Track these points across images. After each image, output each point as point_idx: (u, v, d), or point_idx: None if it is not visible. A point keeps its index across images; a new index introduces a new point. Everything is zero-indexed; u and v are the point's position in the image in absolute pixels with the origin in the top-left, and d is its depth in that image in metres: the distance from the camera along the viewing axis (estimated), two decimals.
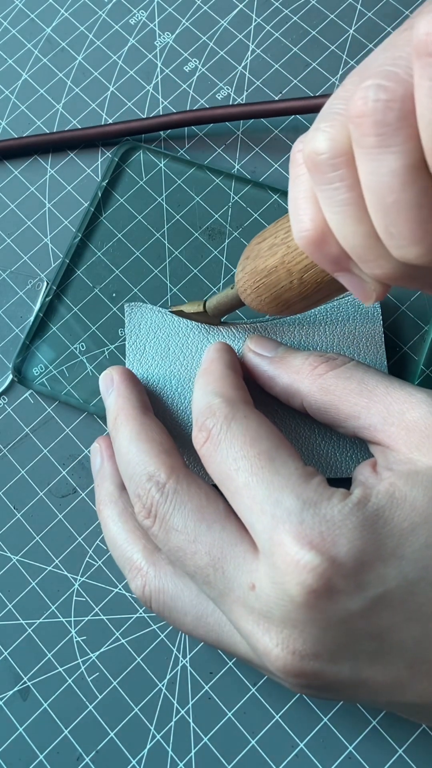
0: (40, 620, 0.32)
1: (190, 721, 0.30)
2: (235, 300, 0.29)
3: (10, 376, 0.35)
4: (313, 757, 0.29)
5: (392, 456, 0.24)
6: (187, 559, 0.23)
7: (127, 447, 0.26)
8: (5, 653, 0.32)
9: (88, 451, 0.34)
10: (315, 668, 0.21)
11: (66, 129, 0.39)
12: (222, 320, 0.32)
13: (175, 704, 0.30)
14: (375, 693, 0.21)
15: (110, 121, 0.39)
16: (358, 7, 0.39)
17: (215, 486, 0.25)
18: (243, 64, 0.39)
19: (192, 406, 0.27)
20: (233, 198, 0.36)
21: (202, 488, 0.25)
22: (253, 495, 0.22)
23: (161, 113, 0.39)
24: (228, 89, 0.39)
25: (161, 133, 0.38)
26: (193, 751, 0.30)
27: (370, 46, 0.38)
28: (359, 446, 0.30)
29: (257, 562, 0.22)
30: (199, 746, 0.30)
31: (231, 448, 0.23)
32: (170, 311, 0.32)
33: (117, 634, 0.31)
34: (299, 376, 0.27)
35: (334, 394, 0.26)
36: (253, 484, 0.22)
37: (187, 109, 0.39)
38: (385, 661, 0.21)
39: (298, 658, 0.21)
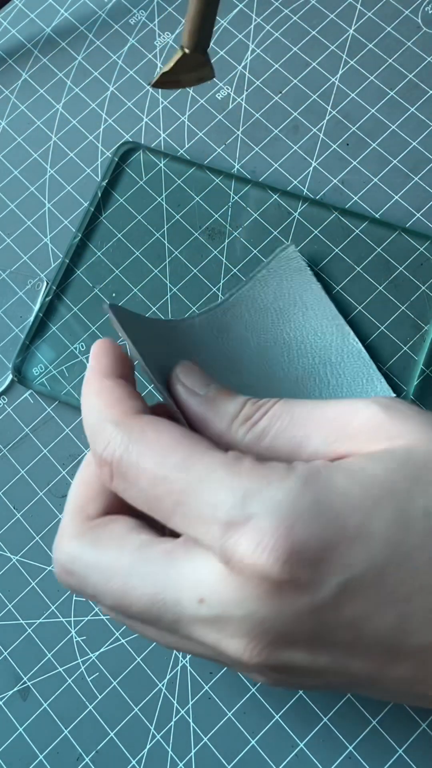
0: (40, 620, 0.32)
1: (190, 721, 0.30)
2: None
3: (10, 376, 0.35)
4: (313, 757, 0.29)
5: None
6: (127, 608, 0.21)
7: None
8: (5, 653, 0.32)
9: (88, 452, 0.34)
10: (291, 660, 0.20)
11: (66, 128, 0.39)
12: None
13: (175, 704, 0.30)
14: (355, 680, 0.21)
15: (110, 121, 0.39)
16: (358, 7, 0.39)
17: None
18: (243, 64, 0.39)
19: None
20: (233, 198, 0.36)
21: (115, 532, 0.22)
22: (185, 512, 0.20)
23: (161, 115, 0.39)
24: (228, 89, 0.39)
25: (161, 132, 0.38)
26: (193, 751, 0.30)
27: (370, 45, 0.38)
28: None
29: (198, 571, 0.20)
30: (199, 746, 0.30)
31: (143, 475, 0.21)
32: (152, 85, 0.28)
33: (117, 634, 0.31)
34: (233, 426, 0.24)
35: (268, 435, 0.23)
36: (183, 502, 0.20)
37: (187, 107, 0.39)
38: (363, 649, 0.20)
39: (272, 655, 0.20)
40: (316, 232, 0.35)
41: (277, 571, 0.18)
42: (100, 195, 0.37)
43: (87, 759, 0.30)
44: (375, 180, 0.36)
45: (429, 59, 0.38)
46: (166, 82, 0.27)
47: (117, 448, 0.21)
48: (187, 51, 0.26)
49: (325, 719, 0.29)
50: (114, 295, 0.35)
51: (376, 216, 0.35)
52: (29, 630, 0.32)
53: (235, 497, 0.19)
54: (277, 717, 0.30)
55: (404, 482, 0.20)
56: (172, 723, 0.30)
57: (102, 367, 0.24)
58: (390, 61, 0.38)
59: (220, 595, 0.19)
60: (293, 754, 0.29)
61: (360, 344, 0.32)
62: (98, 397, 0.23)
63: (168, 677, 0.31)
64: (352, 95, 0.38)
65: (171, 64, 0.26)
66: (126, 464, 0.21)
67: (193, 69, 0.27)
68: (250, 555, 0.19)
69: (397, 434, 0.21)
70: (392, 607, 0.19)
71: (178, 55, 0.26)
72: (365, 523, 0.19)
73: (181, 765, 0.29)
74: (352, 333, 0.32)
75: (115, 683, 0.31)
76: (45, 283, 0.37)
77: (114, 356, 0.25)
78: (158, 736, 0.30)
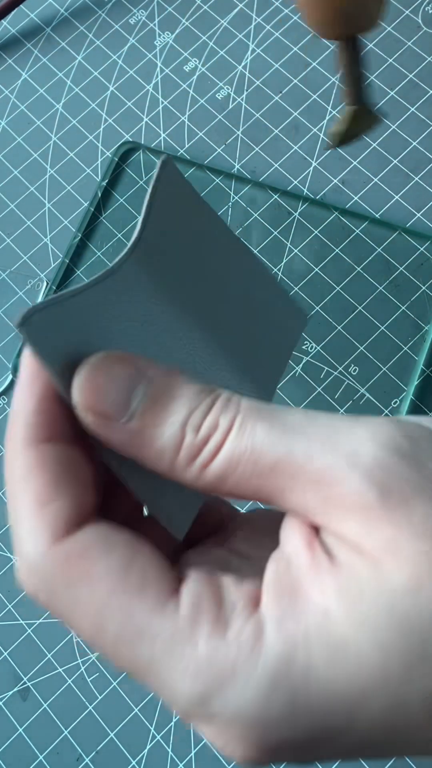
0: (40, 620, 0.32)
1: None
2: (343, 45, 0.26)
3: (10, 376, 0.35)
4: None
5: (332, 539, 0.17)
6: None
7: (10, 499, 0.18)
8: (5, 653, 0.32)
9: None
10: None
11: (66, 128, 0.39)
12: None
13: None
14: None
15: (110, 121, 0.39)
16: None
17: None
18: (243, 63, 0.39)
19: None
20: (233, 198, 0.36)
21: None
22: (145, 676, 0.16)
23: (161, 115, 0.39)
24: (228, 89, 0.39)
25: (161, 132, 0.38)
26: (193, 751, 0.30)
27: (370, 45, 0.38)
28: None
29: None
30: (199, 746, 0.30)
31: (82, 635, 0.17)
32: (333, 147, 0.28)
33: None
34: (178, 466, 0.17)
35: (226, 483, 0.17)
36: (135, 675, 0.16)
37: (187, 107, 0.39)
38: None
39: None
40: (316, 232, 0.35)
41: (249, 764, 0.16)
42: (100, 195, 0.37)
43: (87, 759, 0.30)
44: (375, 180, 0.36)
45: (429, 59, 0.38)
46: (343, 137, 0.29)
47: (42, 596, 0.17)
48: (350, 102, 0.28)
49: None
50: None
51: (376, 216, 0.35)
52: (29, 630, 0.32)
53: (193, 691, 0.16)
54: None
55: (401, 663, 0.15)
56: (172, 723, 0.30)
57: (29, 419, 0.18)
58: (390, 61, 0.38)
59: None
60: None
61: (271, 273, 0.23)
62: (21, 492, 0.17)
63: None
64: None
65: (343, 123, 0.28)
66: (59, 616, 0.17)
67: (362, 118, 0.29)
68: (218, 746, 0.16)
69: (390, 548, 0.15)
70: (390, 750, 0.17)
71: (347, 112, 0.28)
72: (351, 721, 0.16)
73: (181, 765, 0.29)
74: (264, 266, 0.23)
75: (115, 683, 0.31)
76: (45, 283, 0.37)
77: (47, 394, 0.18)
78: (158, 737, 0.30)
